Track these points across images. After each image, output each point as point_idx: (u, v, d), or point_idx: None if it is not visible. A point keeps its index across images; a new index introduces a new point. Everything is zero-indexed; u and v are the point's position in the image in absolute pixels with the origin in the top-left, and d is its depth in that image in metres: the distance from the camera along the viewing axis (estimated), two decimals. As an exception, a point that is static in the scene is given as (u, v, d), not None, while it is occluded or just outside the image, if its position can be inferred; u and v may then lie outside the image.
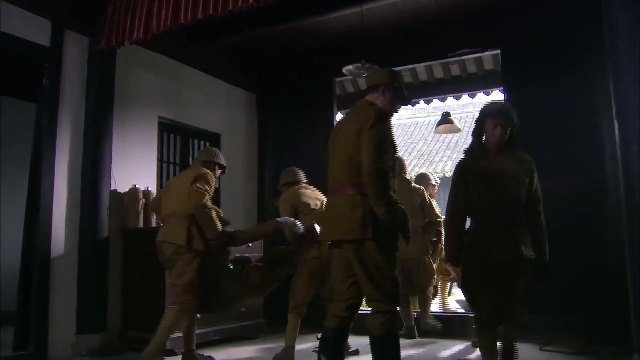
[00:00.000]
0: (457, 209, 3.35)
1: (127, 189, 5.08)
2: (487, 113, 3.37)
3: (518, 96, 5.62)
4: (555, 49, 5.46)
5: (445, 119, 7.58)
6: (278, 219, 4.34)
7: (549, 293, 5.07)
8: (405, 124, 21.09)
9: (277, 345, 4.88)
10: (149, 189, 5.16)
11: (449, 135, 19.12)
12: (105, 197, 4.86)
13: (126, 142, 5.19)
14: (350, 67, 5.05)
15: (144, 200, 5.05)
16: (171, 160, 5.94)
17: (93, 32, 4.87)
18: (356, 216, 2.88)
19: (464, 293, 3.43)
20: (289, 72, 6.90)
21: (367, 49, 5.72)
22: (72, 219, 4.71)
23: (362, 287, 2.98)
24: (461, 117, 19.85)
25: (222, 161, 4.47)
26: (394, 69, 5.85)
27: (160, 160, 5.72)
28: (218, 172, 4.42)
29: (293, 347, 4.41)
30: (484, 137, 3.40)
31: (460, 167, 3.41)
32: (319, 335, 5.23)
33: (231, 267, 4.21)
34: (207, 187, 3.99)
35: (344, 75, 6.49)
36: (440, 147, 18.47)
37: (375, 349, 2.95)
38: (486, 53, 6.04)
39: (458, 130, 7.95)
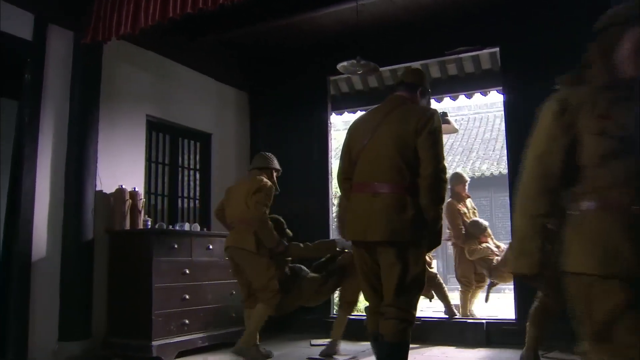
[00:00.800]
0: (548, 182, 1.87)
1: (113, 190, 4.88)
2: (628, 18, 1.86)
3: (517, 96, 5.50)
4: (556, 47, 5.31)
5: (442, 119, 7.37)
6: (337, 240, 4.68)
7: (532, 300, 4.95)
8: (399, 127, 20.88)
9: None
10: (137, 189, 4.97)
11: (444, 137, 18.98)
12: (90, 198, 4.67)
13: (113, 141, 5.01)
14: (345, 63, 4.88)
15: (130, 201, 4.86)
16: (160, 160, 5.75)
17: (78, 26, 4.70)
18: (406, 217, 2.79)
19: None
20: (282, 71, 6.73)
21: (362, 46, 5.53)
22: (55, 220, 4.52)
23: (387, 290, 2.87)
24: (456, 119, 19.73)
25: (277, 165, 4.72)
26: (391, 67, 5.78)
27: (148, 160, 5.53)
28: (275, 176, 4.69)
29: (338, 342, 4.65)
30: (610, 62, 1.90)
31: (555, 107, 1.93)
32: (312, 342, 5.10)
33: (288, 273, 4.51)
34: (266, 201, 4.33)
35: (338, 73, 6.32)
36: (435, 149, 18.29)
37: (386, 355, 2.86)
38: (485, 51, 5.89)
39: (455, 130, 7.80)
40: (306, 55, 6.48)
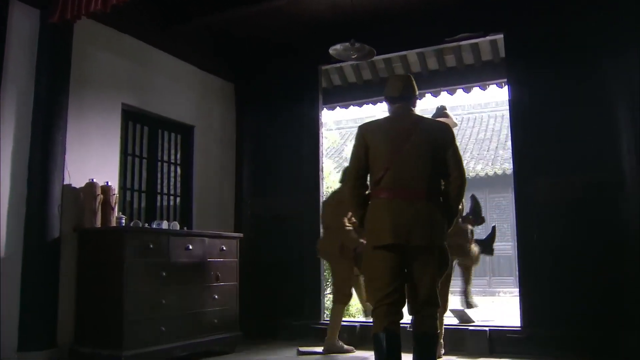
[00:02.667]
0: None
1: (83, 184, 4.45)
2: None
3: (523, 87, 5.14)
4: (564, 33, 4.97)
5: (441, 112, 7.00)
6: None
7: (560, 305, 4.60)
8: (392, 127, 20.50)
9: (253, 361, 4.32)
10: (109, 184, 4.54)
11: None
12: (56, 192, 4.24)
13: (83, 131, 4.58)
14: (338, 47, 4.49)
15: (102, 196, 4.43)
16: (137, 153, 5.31)
17: (45, 3, 4.27)
18: (440, 222, 3.11)
19: None
20: (271, 60, 6.31)
21: (356, 33, 5.15)
22: (17, 217, 4.08)
23: (421, 291, 3.08)
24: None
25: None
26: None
27: (124, 153, 5.10)
28: None
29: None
30: None
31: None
32: (300, 349, 4.70)
33: None
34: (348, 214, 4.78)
35: (330, 62, 5.97)
36: (428, 149, 17.95)
37: (428, 347, 3.11)
38: (487, 38, 5.51)
39: (455, 125, 7.35)
40: (296, 43, 6.07)
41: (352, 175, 3.28)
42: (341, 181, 5.24)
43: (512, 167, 5.33)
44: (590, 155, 4.74)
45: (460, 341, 4.90)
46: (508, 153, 16.22)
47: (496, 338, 4.83)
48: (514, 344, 4.74)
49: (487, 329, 4.91)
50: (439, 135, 3.19)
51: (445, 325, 5.36)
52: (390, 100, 3.35)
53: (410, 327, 3.42)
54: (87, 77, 4.67)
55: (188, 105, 5.82)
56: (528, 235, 4.90)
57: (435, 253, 3.10)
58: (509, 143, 17.49)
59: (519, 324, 4.88)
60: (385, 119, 3.36)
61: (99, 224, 4.41)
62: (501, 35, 5.35)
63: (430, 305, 3.09)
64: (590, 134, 4.78)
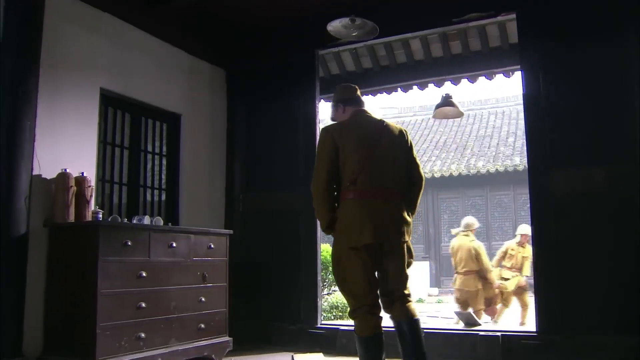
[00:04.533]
0: None
1: (55, 175, 4.01)
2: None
3: (537, 71, 4.73)
4: (583, 12, 4.56)
5: (446, 101, 6.62)
6: None
7: (580, 308, 4.21)
8: (390, 123, 20.14)
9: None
10: (85, 174, 4.11)
11: (437, 135, 18.34)
12: (24, 183, 3.80)
13: (55, 116, 4.15)
14: (337, 23, 4.08)
15: (75, 188, 4.00)
16: (117, 142, 4.88)
17: (11, -27, 3.85)
18: (407, 219, 3.32)
19: None
20: (264, 43, 5.87)
21: (355, 13, 4.74)
22: (-22, 211, 3.64)
23: (402, 282, 3.28)
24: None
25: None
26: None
27: (103, 142, 4.67)
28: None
29: None
30: None
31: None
32: (295, 357, 4.34)
33: None
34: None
35: (328, 45, 5.57)
36: (428, 146, 17.60)
37: (418, 330, 3.21)
38: (499, 18, 5.08)
39: (460, 114, 7.00)
40: (292, 25, 5.62)
41: (323, 177, 3.29)
42: None
43: (526, 159, 4.94)
44: (612, 144, 4.34)
45: (471, 347, 4.49)
46: (509, 150, 15.88)
47: (509, 344, 4.42)
48: (529, 350, 4.34)
49: (499, 334, 4.51)
50: (404, 139, 3.43)
51: (454, 330, 5.01)
52: (344, 102, 3.50)
53: (394, 324, 3.31)
54: (60, 58, 4.23)
55: (175, 92, 5.39)
56: (544, 232, 4.48)
57: (405, 248, 3.31)
58: (511, 139, 17.18)
59: (534, 329, 4.46)
60: (351, 121, 3.41)
61: (72, 218, 3.97)
62: (513, 16, 4.93)
63: (410, 295, 3.32)
64: (612, 123, 4.39)
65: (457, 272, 7.57)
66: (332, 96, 3.69)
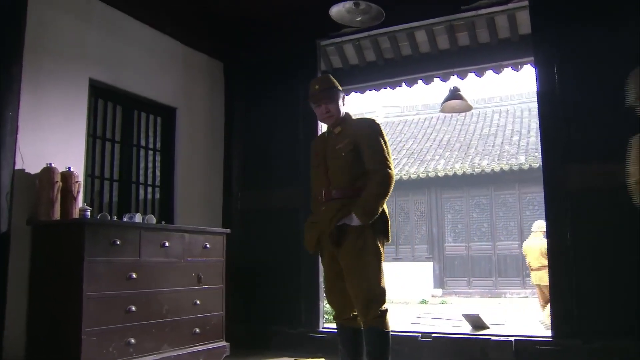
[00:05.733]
0: None
1: (39, 169, 3.76)
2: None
3: (552, 62, 4.48)
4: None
5: (454, 94, 6.36)
6: None
7: (598, 312, 3.96)
8: (393, 122, 19.92)
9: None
10: (72, 169, 3.86)
11: (440, 133, 18.09)
12: (5, 179, 3.57)
13: (40, 108, 3.90)
14: (339, 7, 3.81)
15: (61, 184, 3.75)
16: (108, 136, 4.63)
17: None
18: None
19: None
20: (264, 35, 5.64)
21: (357, 3, 4.49)
22: (-45, 207, 3.40)
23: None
24: (452, 115, 18.88)
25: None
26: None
27: (92, 136, 4.43)
28: None
29: None
30: None
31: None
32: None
33: None
34: None
35: (329, 36, 5.33)
36: (431, 145, 17.34)
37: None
38: (511, 5, 4.83)
39: (469, 108, 6.73)
40: (292, 15, 5.39)
41: None
42: None
43: (531, 158, 4.73)
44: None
45: (482, 353, 4.24)
46: (514, 148, 15.62)
47: (523, 350, 4.17)
48: (544, 356, 4.09)
49: (512, 339, 4.24)
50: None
51: (464, 334, 4.76)
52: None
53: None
54: (46, 46, 3.99)
55: (170, 84, 5.15)
56: (560, 231, 4.23)
57: None
58: (515, 138, 16.93)
59: (550, 334, 4.21)
60: None
61: (57, 216, 3.72)
62: (525, 4, 4.69)
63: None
64: (631, 115, 4.12)
65: (531, 270, 8.31)
66: (334, 84, 3.41)
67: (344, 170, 3.17)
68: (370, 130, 3.21)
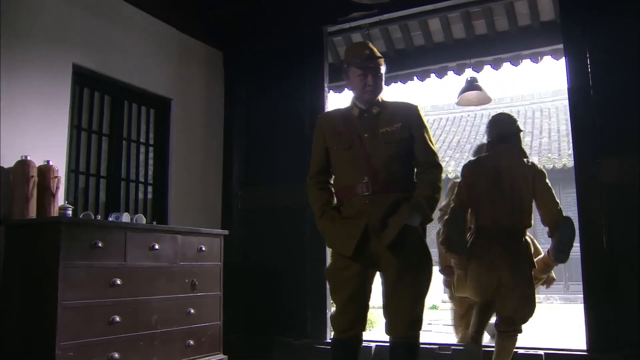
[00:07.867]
0: None
1: (13, 163, 3.38)
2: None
3: (583, 50, 4.13)
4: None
5: (471, 85, 5.95)
6: None
7: (637, 324, 3.54)
8: (401, 123, 19.58)
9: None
10: (50, 163, 3.48)
11: (450, 135, 17.70)
12: (-26, 173, 3.19)
13: (17, 95, 3.52)
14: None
15: (37, 178, 3.36)
16: (94, 128, 4.24)
17: None
18: None
19: None
20: (266, 22, 5.29)
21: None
22: None
23: None
24: (450, 117, 18.62)
25: None
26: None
27: (76, 127, 4.05)
28: None
29: None
30: None
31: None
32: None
33: None
34: None
35: (337, 22, 4.95)
36: (441, 147, 16.94)
37: None
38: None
39: (488, 100, 6.31)
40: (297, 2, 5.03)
41: None
42: None
43: (544, 159, 4.35)
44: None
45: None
46: (527, 149, 15.19)
47: (554, 365, 3.76)
48: (578, 372, 3.67)
49: (542, 352, 3.85)
50: None
51: (485, 346, 4.35)
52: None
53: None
54: (23, 29, 3.61)
55: (164, 74, 4.78)
56: (595, 234, 3.81)
57: None
58: (528, 139, 16.45)
59: (584, 347, 3.79)
60: None
61: (33, 214, 3.34)
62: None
63: None
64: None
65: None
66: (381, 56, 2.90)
67: (397, 160, 2.66)
68: (419, 118, 2.73)
